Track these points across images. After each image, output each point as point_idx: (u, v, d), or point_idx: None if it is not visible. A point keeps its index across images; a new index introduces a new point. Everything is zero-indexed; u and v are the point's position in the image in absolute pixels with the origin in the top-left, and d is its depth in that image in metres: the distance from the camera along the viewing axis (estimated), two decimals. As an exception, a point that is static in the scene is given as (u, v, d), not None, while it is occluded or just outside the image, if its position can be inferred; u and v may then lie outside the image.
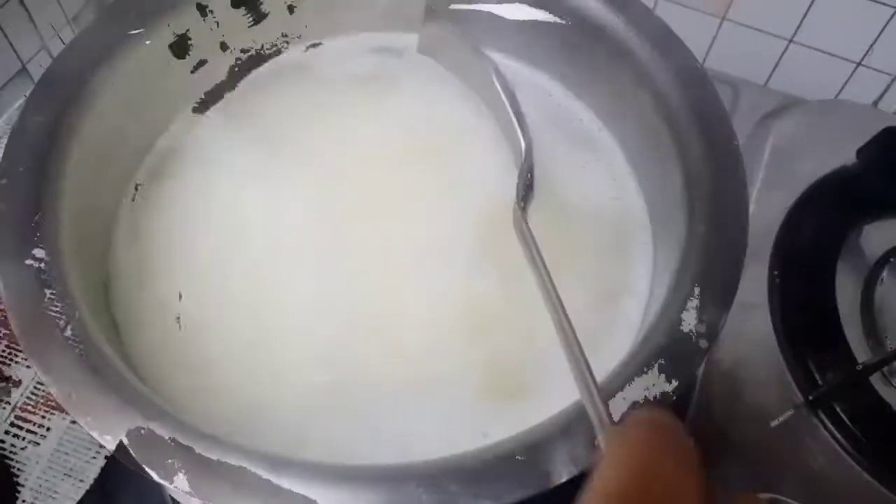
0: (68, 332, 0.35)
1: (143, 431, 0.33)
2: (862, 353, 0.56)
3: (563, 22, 0.51)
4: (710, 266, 0.38)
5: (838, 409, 0.54)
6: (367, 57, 0.58)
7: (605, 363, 0.41)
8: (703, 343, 0.35)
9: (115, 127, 0.48)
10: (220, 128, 0.54)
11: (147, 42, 0.49)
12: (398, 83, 0.56)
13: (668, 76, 0.44)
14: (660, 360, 0.34)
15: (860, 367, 0.54)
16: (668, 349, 0.35)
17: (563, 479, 0.31)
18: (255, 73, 0.57)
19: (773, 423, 0.54)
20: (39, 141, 0.42)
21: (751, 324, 0.58)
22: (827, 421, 0.54)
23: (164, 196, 0.50)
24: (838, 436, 0.54)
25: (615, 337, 0.43)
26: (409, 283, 0.46)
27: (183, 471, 0.32)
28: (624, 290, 0.44)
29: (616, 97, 0.49)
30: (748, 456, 0.54)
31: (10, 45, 0.66)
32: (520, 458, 0.32)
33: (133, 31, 0.48)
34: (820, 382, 0.55)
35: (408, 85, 0.56)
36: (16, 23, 0.66)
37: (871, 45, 0.69)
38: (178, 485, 0.31)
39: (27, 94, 0.64)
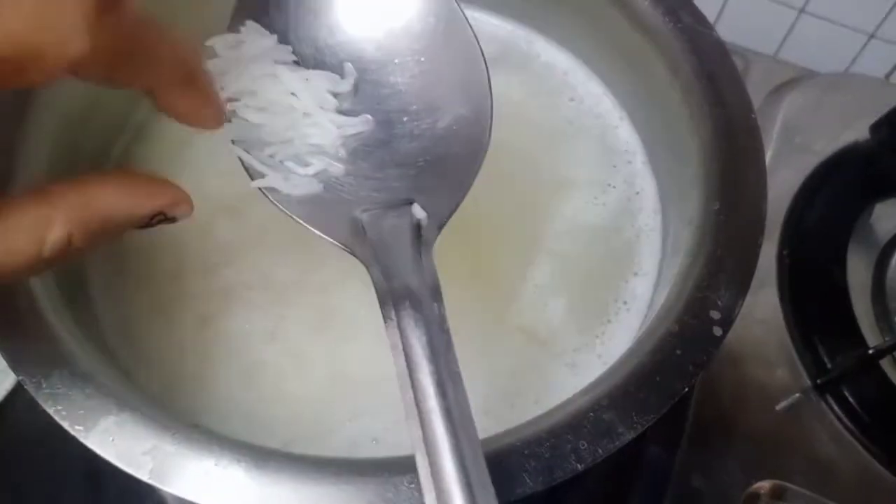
0: (39, 314, 0.33)
1: (116, 422, 0.30)
2: (872, 335, 0.55)
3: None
4: (725, 246, 0.35)
5: (847, 394, 0.53)
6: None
7: (611, 348, 0.40)
8: (718, 331, 0.33)
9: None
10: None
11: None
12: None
13: (682, 44, 0.41)
14: (676, 351, 0.32)
15: (872, 350, 0.52)
16: (680, 337, 0.33)
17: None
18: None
19: (779, 407, 0.53)
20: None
21: (758, 304, 0.57)
22: (835, 405, 0.53)
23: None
24: (847, 421, 0.53)
25: (620, 320, 0.40)
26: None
27: (155, 464, 0.29)
28: (629, 271, 0.42)
29: (625, 65, 0.46)
30: (754, 441, 0.52)
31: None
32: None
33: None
34: (829, 366, 0.54)
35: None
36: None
37: (885, 17, 0.67)
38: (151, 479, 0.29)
39: None
